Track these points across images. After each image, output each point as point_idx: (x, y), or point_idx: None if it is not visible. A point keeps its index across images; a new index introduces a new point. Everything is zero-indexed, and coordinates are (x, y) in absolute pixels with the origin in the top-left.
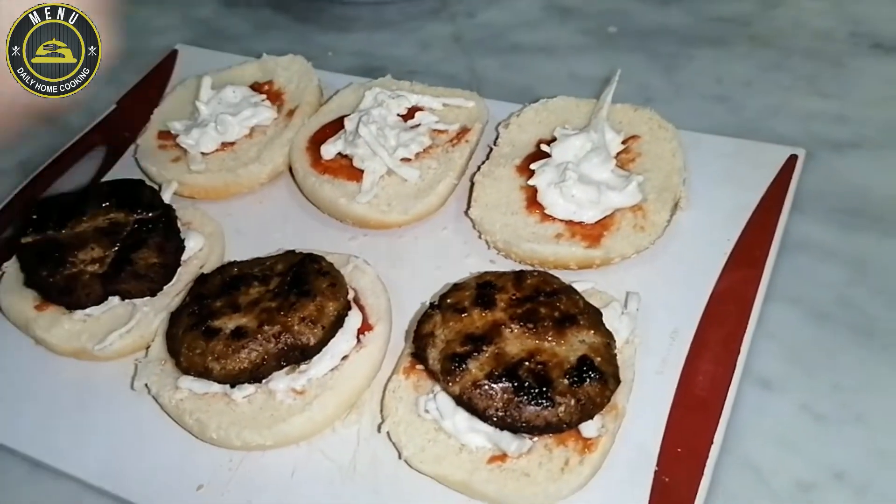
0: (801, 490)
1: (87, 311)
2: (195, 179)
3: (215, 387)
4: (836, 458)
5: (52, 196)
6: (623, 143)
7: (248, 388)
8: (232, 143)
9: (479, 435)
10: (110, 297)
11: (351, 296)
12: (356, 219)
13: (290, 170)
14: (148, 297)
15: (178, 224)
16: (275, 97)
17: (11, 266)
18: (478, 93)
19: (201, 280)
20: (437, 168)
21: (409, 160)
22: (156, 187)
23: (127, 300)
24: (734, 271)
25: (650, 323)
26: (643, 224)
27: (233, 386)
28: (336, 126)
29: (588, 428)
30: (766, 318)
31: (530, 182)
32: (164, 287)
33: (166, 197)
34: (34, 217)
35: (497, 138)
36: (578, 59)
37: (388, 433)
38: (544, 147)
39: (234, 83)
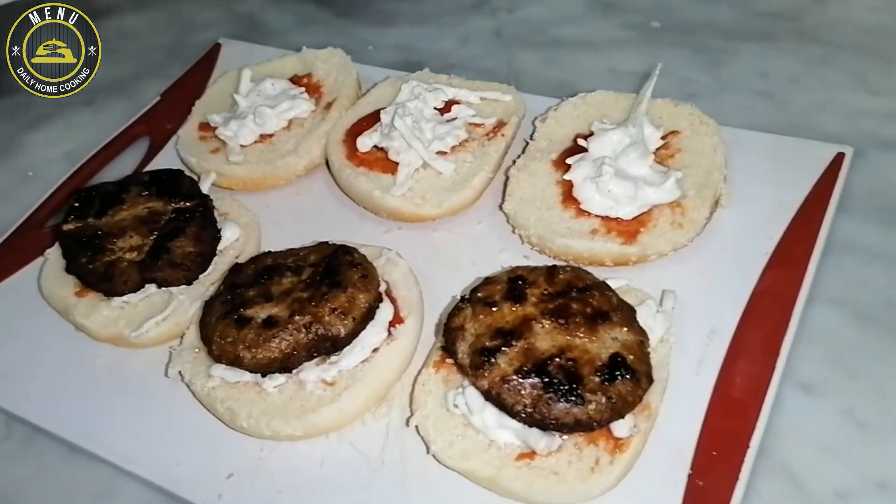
0: (841, 498)
1: (125, 298)
2: (233, 171)
3: (247, 376)
4: (879, 467)
5: (94, 185)
6: (662, 138)
7: (279, 378)
8: (270, 136)
9: (507, 431)
10: (147, 285)
11: (383, 288)
12: (390, 211)
13: (327, 162)
14: (184, 286)
15: (216, 214)
16: (313, 90)
17: (54, 253)
18: (516, 87)
19: (235, 269)
20: (473, 162)
21: (444, 153)
22: (195, 178)
23: (164, 288)
24: (776, 271)
25: (687, 322)
26: (682, 221)
27: (264, 375)
28: (373, 119)
29: (619, 427)
30: (809, 320)
31: (566, 176)
32: (200, 276)
33: (205, 187)
34: (75, 205)
35: (534, 132)
36: (620, 53)
37: (416, 427)
38: (581, 141)
39: (273, 76)
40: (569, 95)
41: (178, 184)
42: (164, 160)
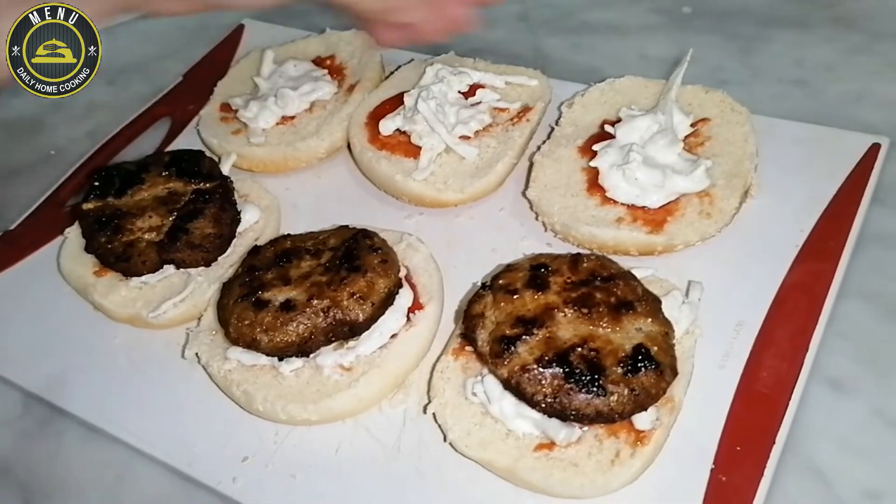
0: (869, 498)
1: (143, 278)
2: (254, 152)
3: (263, 359)
4: None
5: (114, 164)
6: (692, 125)
7: (296, 362)
8: (292, 118)
9: (526, 421)
10: (166, 266)
11: (403, 273)
12: (412, 196)
13: (349, 145)
14: (203, 268)
15: (236, 196)
16: (336, 72)
17: (73, 231)
18: (542, 72)
19: (254, 251)
20: (497, 147)
21: (468, 138)
22: (216, 159)
23: (182, 269)
24: (806, 264)
25: (713, 314)
26: (710, 211)
27: (280, 359)
28: (396, 102)
29: (641, 420)
30: (839, 315)
31: (592, 163)
32: (219, 258)
33: (225, 169)
34: (95, 184)
35: (559, 118)
36: (650, 39)
37: (433, 414)
38: (608, 128)
39: (296, 57)
40: (597, 81)
41: (198, 165)
42: (186, 141)
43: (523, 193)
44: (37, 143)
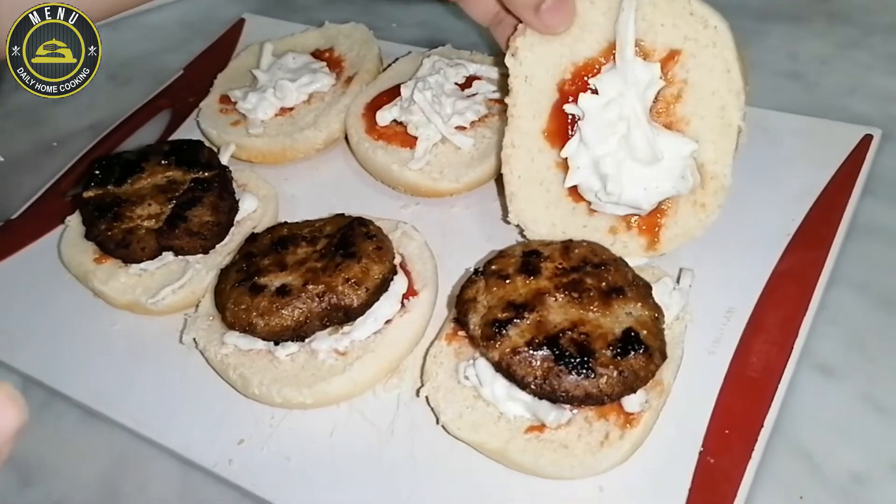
0: (855, 481)
1: (143, 265)
2: (253, 143)
3: (259, 343)
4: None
5: (114, 153)
6: (662, 69)
7: (292, 347)
8: (290, 109)
9: (517, 403)
10: (165, 253)
11: (398, 261)
12: (408, 186)
13: (346, 136)
14: (201, 255)
15: (234, 185)
16: (335, 64)
17: (74, 220)
18: None
19: (251, 238)
20: (492, 137)
21: (463, 128)
22: (215, 149)
23: (180, 256)
24: (797, 252)
25: (705, 300)
26: (703, 200)
27: (276, 343)
28: (393, 93)
29: (630, 402)
30: (829, 303)
31: (567, 184)
32: (217, 245)
33: (224, 159)
34: (96, 172)
35: (509, 75)
36: None
37: (426, 398)
38: (569, 108)
39: (295, 50)
40: None
41: (197, 154)
42: (186, 132)
43: (504, 220)
44: (39, 135)
